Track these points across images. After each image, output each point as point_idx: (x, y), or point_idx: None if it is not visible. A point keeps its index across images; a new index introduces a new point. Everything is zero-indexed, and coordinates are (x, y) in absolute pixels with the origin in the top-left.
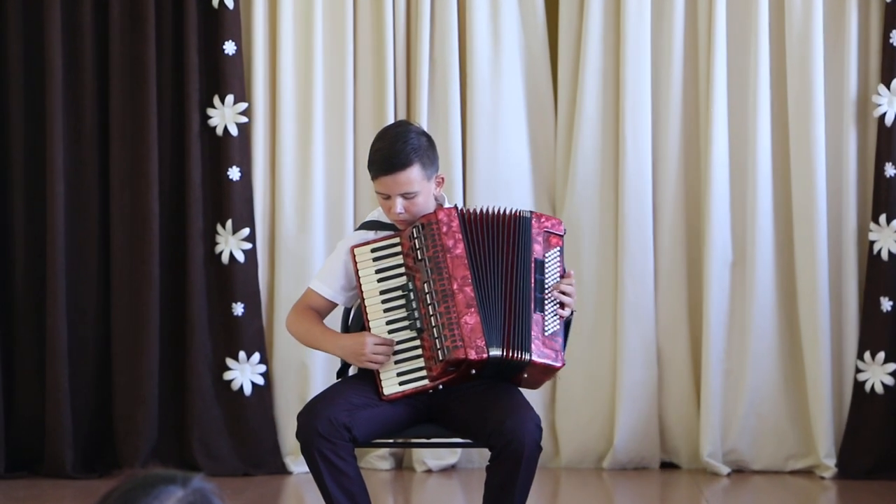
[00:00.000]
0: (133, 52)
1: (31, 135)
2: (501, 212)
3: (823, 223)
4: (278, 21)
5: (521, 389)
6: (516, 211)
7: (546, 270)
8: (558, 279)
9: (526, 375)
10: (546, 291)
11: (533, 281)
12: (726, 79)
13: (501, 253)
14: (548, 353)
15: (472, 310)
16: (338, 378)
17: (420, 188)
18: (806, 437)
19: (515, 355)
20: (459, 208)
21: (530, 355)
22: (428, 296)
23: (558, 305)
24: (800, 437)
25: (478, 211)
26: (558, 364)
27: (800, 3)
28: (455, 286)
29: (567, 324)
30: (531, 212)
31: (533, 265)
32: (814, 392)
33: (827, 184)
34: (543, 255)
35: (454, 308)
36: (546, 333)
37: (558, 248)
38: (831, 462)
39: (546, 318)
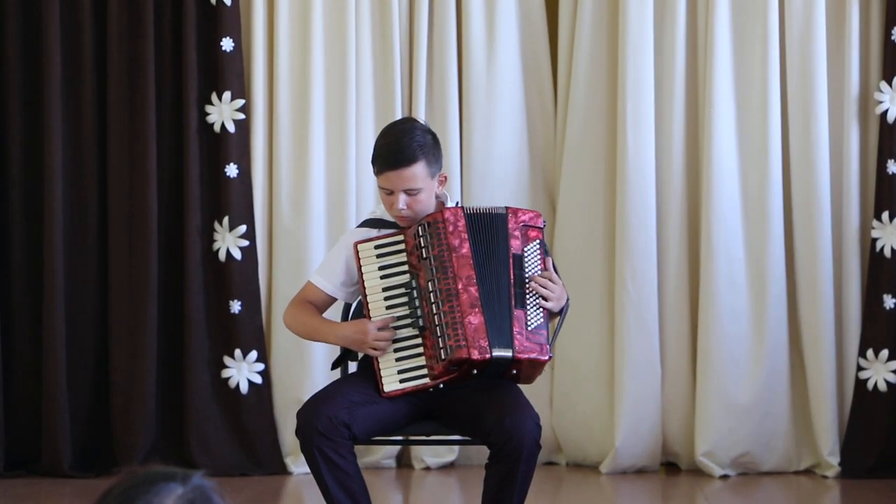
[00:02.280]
0: (131, 48)
1: (30, 132)
2: (484, 211)
3: (826, 221)
4: (276, 17)
5: (521, 387)
6: (490, 208)
7: (525, 264)
8: (540, 272)
9: (515, 371)
10: (526, 285)
11: (511, 276)
12: (730, 74)
13: (488, 251)
14: (531, 347)
15: (477, 310)
16: (333, 369)
17: (424, 185)
18: (808, 436)
19: (501, 353)
20: (465, 207)
21: (512, 352)
22: (432, 294)
23: (540, 298)
24: (802, 436)
25: (479, 210)
26: (544, 357)
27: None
28: (460, 286)
29: (561, 315)
30: (506, 208)
31: (511, 261)
32: (816, 390)
33: (829, 181)
34: (522, 250)
35: (458, 307)
36: (529, 328)
37: (538, 241)
38: (834, 460)
39: (528, 312)
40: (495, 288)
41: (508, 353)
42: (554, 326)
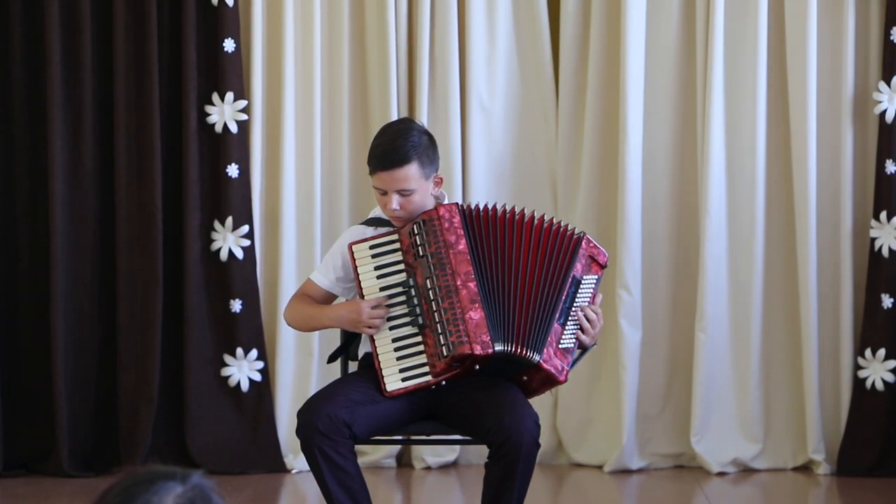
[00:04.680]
0: (136, 49)
1: (33, 132)
2: (556, 223)
3: (813, 220)
4: (278, 19)
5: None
6: (571, 227)
7: (580, 290)
8: (587, 304)
9: (526, 378)
10: (573, 309)
11: (566, 294)
12: (723, 74)
13: (527, 255)
14: (556, 363)
15: (477, 305)
16: (329, 362)
17: (417, 186)
18: (802, 434)
19: (525, 353)
20: (476, 205)
21: (539, 357)
22: (430, 291)
23: (579, 328)
24: (797, 434)
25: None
26: (561, 378)
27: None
28: (458, 282)
29: (584, 350)
30: (584, 233)
31: (570, 280)
32: (807, 388)
33: (825, 181)
34: (581, 276)
35: (458, 303)
36: (560, 346)
37: (596, 277)
38: (820, 457)
39: (565, 332)
40: (551, 296)
41: (536, 357)
42: (574, 357)
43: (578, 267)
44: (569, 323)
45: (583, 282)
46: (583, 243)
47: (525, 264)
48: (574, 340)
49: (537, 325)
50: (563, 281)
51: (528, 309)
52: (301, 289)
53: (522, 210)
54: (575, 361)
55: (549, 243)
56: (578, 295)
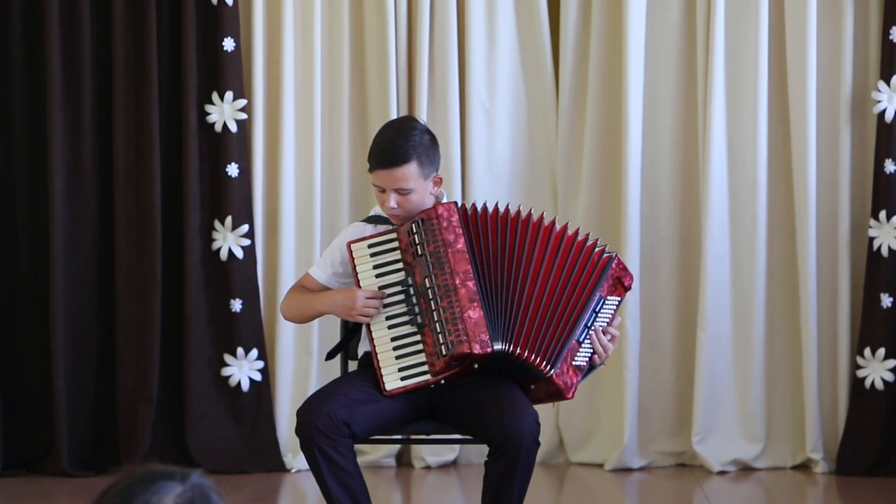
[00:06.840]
0: (136, 48)
1: (33, 133)
2: (584, 236)
3: (814, 219)
4: (277, 18)
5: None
6: (602, 244)
7: (601, 310)
8: (606, 326)
9: (534, 387)
10: (591, 329)
11: (589, 312)
12: (723, 73)
13: (540, 260)
14: (567, 379)
15: (476, 304)
16: (327, 359)
17: (415, 186)
18: (801, 433)
19: (538, 362)
20: (480, 204)
21: (553, 370)
22: (430, 290)
23: (592, 349)
24: (796, 433)
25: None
26: (569, 395)
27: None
28: (457, 281)
29: (591, 368)
30: (615, 253)
31: (595, 299)
32: (806, 387)
33: (824, 180)
34: (605, 297)
35: (457, 302)
36: (573, 363)
37: (619, 299)
38: (818, 456)
39: (581, 350)
40: (574, 312)
41: (551, 371)
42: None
43: (605, 286)
44: (585, 342)
45: (606, 302)
46: (612, 263)
47: (536, 269)
48: (586, 360)
49: (556, 338)
50: (589, 298)
51: (543, 316)
52: (298, 282)
53: (542, 215)
54: (581, 379)
55: (575, 256)
56: (600, 315)
